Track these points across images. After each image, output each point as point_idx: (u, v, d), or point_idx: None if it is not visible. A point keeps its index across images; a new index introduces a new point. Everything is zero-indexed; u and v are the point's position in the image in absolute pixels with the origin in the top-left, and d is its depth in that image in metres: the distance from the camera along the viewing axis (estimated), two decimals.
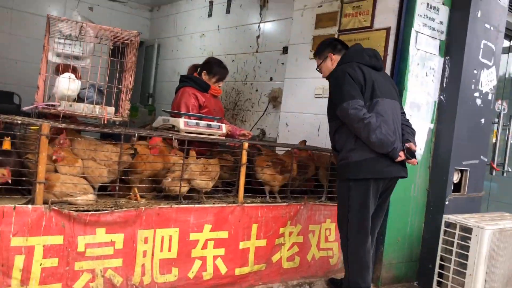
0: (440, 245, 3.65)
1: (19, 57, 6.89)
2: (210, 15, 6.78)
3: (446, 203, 3.93)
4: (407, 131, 3.06)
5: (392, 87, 3.10)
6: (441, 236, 3.66)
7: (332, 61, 3.18)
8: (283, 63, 5.29)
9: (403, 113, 3.21)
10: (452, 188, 4.01)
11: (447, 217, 3.64)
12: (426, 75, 3.91)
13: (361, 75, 2.88)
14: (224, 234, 3.05)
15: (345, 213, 2.99)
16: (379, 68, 3.07)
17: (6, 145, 2.46)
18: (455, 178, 4.05)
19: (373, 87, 2.89)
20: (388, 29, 3.84)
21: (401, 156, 2.87)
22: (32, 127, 2.72)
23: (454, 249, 3.52)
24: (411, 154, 2.92)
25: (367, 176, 2.87)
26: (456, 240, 3.52)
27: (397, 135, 2.92)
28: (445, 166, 3.95)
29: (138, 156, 2.76)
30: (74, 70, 3.23)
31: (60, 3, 7.31)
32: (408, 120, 3.22)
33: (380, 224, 3.22)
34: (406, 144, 2.93)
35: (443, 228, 3.66)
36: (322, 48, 3.26)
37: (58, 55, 2.86)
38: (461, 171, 4.11)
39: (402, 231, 3.92)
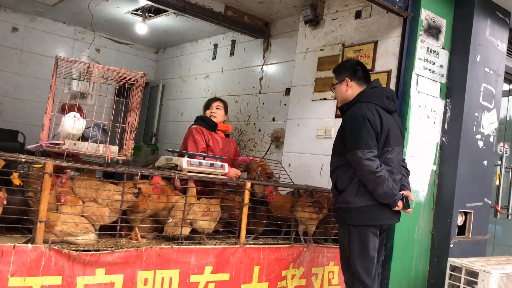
0: None
1: (25, 96, 7.01)
2: (214, 57, 6.93)
3: (451, 246, 3.87)
4: (404, 175, 3.05)
5: (399, 130, 3.07)
6: (447, 280, 3.58)
7: (348, 87, 3.02)
8: (285, 104, 5.35)
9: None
10: (457, 230, 3.96)
11: (453, 261, 3.58)
12: (428, 117, 3.94)
13: (379, 122, 2.84)
14: (225, 277, 2.99)
15: (346, 258, 2.94)
16: (394, 111, 3.03)
17: (16, 181, 2.45)
18: (459, 220, 4.01)
19: (388, 135, 2.87)
20: (389, 72, 3.91)
21: (399, 206, 2.87)
22: (35, 165, 2.73)
23: None
24: (408, 202, 2.94)
25: (367, 223, 2.86)
26: (462, 285, 3.44)
27: (398, 185, 2.93)
28: (449, 208, 3.92)
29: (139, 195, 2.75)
30: (80, 109, 3.27)
31: (68, 44, 7.49)
32: (404, 159, 3.20)
33: (379, 266, 3.17)
34: (404, 192, 2.93)
35: (448, 272, 3.59)
36: (341, 69, 3.12)
37: (67, 94, 2.91)
38: (465, 214, 4.07)
39: (406, 274, 3.84)
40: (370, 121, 2.80)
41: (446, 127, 4.04)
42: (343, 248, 2.96)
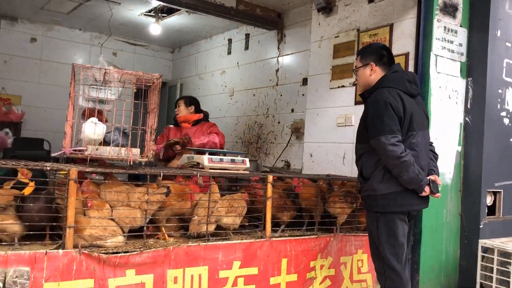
0: (479, 271, 3.51)
1: (48, 104, 7.15)
2: (229, 53, 6.93)
3: (481, 227, 3.80)
4: (432, 159, 2.99)
5: (424, 114, 3.00)
6: (479, 262, 3.52)
7: (372, 71, 2.96)
8: (303, 94, 5.32)
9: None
10: (486, 211, 3.88)
11: (484, 242, 3.52)
12: (449, 97, 3.86)
13: (401, 106, 2.79)
14: (254, 270, 3.00)
15: (375, 245, 2.93)
16: (417, 95, 2.96)
17: (28, 190, 2.51)
18: (489, 200, 3.93)
19: (411, 119, 2.82)
20: (407, 55, 3.84)
21: (426, 191, 2.82)
22: (60, 172, 2.79)
23: (494, 275, 3.38)
24: (435, 187, 2.87)
25: (394, 209, 2.83)
26: (495, 266, 3.38)
27: (425, 169, 2.87)
28: (477, 188, 3.84)
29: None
30: (100, 114, 3.33)
31: (85, 50, 7.61)
32: (432, 143, 3.11)
33: (409, 252, 3.11)
34: (431, 177, 2.86)
35: (480, 253, 3.53)
36: (367, 53, 3.03)
37: (86, 100, 2.96)
38: (494, 193, 3.99)
39: (437, 258, 3.79)
40: (393, 106, 2.76)
41: (469, 107, 3.95)
42: (372, 235, 2.94)
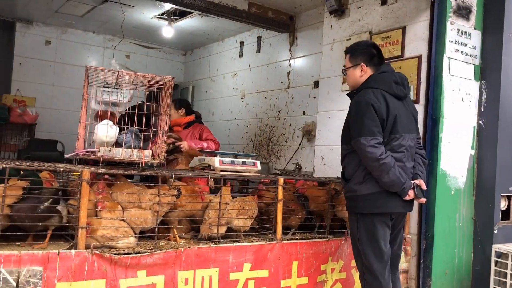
0: (492, 277, 3.47)
1: (61, 106, 7.24)
2: (241, 55, 6.95)
3: (495, 231, 3.75)
4: (419, 163, 2.90)
5: (413, 116, 2.94)
6: (492, 267, 3.47)
7: (362, 72, 2.91)
8: (315, 97, 5.31)
9: (419, 138, 3.02)
10: (500, 215, 3.83)
11: (498, 247, 3.47)
12: (463, 100, 3.83)
13: (384, 108, 2.74)
14: (264, 273, 3.00)
15: (356, 246, 2.89)
16: (404, 97, 2.89)
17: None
18: (503, 205, 3.88)
19: (395, 122, 2.76)
20: (419, 57, 3.81)
21: (410, 195, 2.75)
22: (74, 174, 2.82)
23: (508, 281, 3.33)
24: (420, 192, 2.79)
25: (373, 211, 2.78)
26: (509, 272, 3.33)
27: (408, 173, 2.80)
28: (491, 193, 3.80)
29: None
30: (113, 115, 3.36)
31: (98, 53, 7.68)
32: (422, 147, 3.02)
33: (399, 259, 3.05)
34: (416, 182, 2.79)
35: (493, 258, 3.48)
36: (357, 52, 2.96)
37: (99, 102, 2.99)
38: (508, 198, 3.93)
39: (449, 263, 3.75)
40: (375, 107, 2.71)
41: (482, 110, 3.91)
42: (353, 236, 2.91)
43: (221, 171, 3.09)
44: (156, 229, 2.72)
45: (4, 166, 2.27)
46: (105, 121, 2.71)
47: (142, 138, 2.87)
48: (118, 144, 2.80)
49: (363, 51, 2.94)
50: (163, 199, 2.71)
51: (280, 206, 3.11)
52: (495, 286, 3.44)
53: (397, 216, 2.90)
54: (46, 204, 2.43)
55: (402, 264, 3.48)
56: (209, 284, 2.79)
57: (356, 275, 3.43)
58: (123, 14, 6.27)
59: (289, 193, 3.36)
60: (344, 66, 3.05)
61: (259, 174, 3.33)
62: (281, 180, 3.14)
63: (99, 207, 2.56)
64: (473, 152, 3.90)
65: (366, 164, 2.74)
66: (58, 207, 2.50)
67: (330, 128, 4.60)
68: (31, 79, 7.09)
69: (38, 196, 2.45)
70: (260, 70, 6.50)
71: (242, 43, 6.94)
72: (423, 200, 2.85)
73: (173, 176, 2.78)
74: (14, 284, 2.20)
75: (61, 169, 2.54)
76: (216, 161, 3.09)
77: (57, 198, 2.52)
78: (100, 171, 2.58)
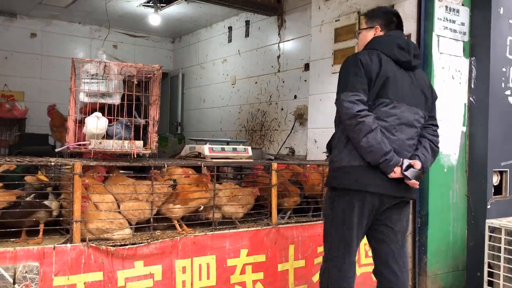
0: (487, 251, 3.51)
1: (50, 100, 7.11)
2: (230, 41, 6.89)
3: (488, 207, 3.79)
4: (425, 146, 2.50)
5: (422, 92, 2.55)
6: (487, 242, 3.51)
7: (376, 35, 2.60)
8: (305, 80, 5.29)
9: (431, 121, 2.63)
10: (493, 191, 3.86)
11: (491, 222, 3.50)
12: (453, 78, 3.82)
13: (376, 68, 2.38)
14: (261, 258, 3.02)
15: (327, 226, 2.53)
16: (409, 66, 2.51)
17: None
18: (495, 180, 3.91)
19: (385, 84, 2.38)
20: (408, 36, 3.78)
21: (395, 172, 2.32)
22: (66, 167, 2.80)
23: (502, 254, 3.37)
24: (413, 173, 2.34)
25: (351, 187, 2.38)
26: (503, 246, 3.37)
27: (402, 151, 2.39)
28: (483, 169, 3.82)
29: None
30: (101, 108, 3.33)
31: (85, 44, 7.59)
32: (436, 134, 2.62)
33: (402, 255, 2.54)
34: (411, 161, 2.36)
35: (487, 233, 3.52)
36: (374, 15, 2.65)
37: (87, 94, 2.96)
38: (501, 173, 3.96)
39: (444, 240, 3.79)
40: (363, 63, 2.38)
41: (472, 86, 3.92)
42: (325, 214, 2.57)
43: (211, 158, 3.08)
44: (151, 220, 2.72)
45: None
46: (95, 114, 2.69)
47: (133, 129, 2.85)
48: (108, 136, 2.77)
49: (382, 16, 2.63)
50: (158, 190, 2.70)
51: (274, 191, 3.12)
52: (490, 260, 3.49)
53: (388, 203, 2.45)
54: (27, 199, 2.40)
55: None
56: (207, 271, 2.80)
57: None
58: (108, 3, 6.17)
59: (285, 179, 3.36)
60: (358, 28, 2.79)
61: (251, 160, 3.32)
62: (274, 165, 3.14)
63: (83, 201, 2.53)
64: (464, 129, 3.91)
65: (345, 125, 2.38)
66: (46, 202, 2.48)
67: (322, 111, 4.59)
68: (19, 73, 7.00)
69: (17, 192, 2.42)
70: (250, 55, 6.46)
71: (230, 28, 6.88)
72: (415, 182, 2.37)
73: (165, 165, 2.78)
74: (11, 280, 2.20)
75: (53, 163, 2.52)
76: (206, 149, 3.08)
77: (44, 193, 2.50)
78: (92, 164, 2.56)
